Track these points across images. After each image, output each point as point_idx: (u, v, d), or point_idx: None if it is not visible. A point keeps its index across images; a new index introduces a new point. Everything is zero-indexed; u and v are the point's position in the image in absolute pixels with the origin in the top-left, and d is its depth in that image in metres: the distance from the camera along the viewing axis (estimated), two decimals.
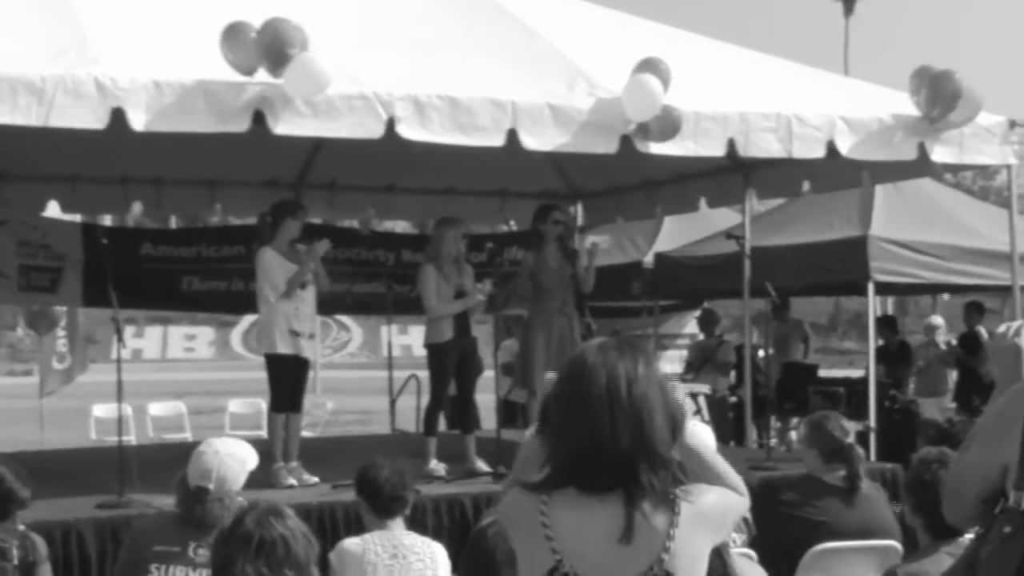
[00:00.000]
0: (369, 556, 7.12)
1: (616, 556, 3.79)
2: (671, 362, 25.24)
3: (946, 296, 25.04)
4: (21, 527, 7.24)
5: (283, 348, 11.97)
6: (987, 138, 12.70)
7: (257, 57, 9.93)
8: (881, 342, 20.43)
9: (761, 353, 18.46)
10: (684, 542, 3.81)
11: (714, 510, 3.97)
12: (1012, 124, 12.83)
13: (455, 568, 6.58)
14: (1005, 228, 14.14)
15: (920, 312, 29.54)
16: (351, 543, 7.25)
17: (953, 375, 20.31)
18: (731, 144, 11.69)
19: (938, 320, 21.64)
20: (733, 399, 19.99)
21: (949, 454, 6.48)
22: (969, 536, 5.63)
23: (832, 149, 12.04)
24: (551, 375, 12.52)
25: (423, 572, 7.02)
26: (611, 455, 3.85)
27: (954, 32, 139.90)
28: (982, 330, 18.91)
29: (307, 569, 5.10)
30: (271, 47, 9.85)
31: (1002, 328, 4.67)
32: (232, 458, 7.27)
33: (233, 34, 9.95)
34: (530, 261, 13.26)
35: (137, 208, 18.47)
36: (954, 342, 20.85)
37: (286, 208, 12.47)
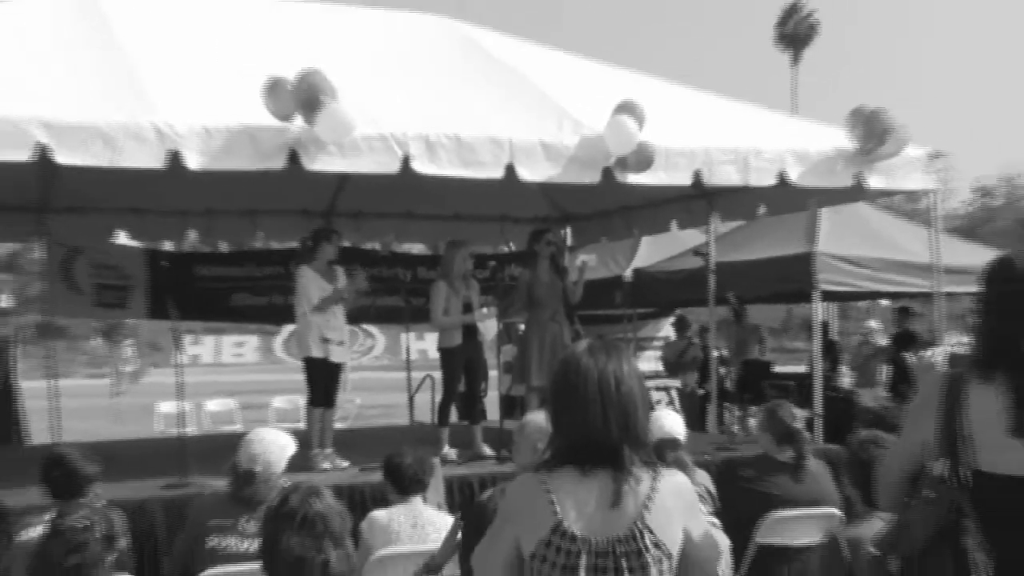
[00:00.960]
0: (393, 525, 7.15)
1: (606, 517, 3.93)
2: (648, 361, 25.20)
3: (885, 302, 24.98)
4: (101, 503, 7.25)
5: (316, 352, 12.02)
6: (913, 168, 12.75)
7: (294, 107, 9.96)
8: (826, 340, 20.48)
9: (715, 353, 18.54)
10: (661, 505, 3.95)
11: (685, 487, 4.10)
12: (934, 155, 12.90)
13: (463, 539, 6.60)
14: (928, 244, 14.19)
15: (859, 316, 29.53)
16: (379, 514, 7.27)
17: (886, 369, 20.30)
18: (697, 175, 11.72)
19: (874, 324, 21.64)
20: (701, 392, 20.02)
21: (881, 436, 6.53)
22: None
23: (783, 178, 12.07)
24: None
25: (438, 540, 7.03)
26: (602, 442, 3.98)
27: (884, 78, 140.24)
28: (908, 355, 18.92)
29: (342, 541, 5.10)
30: (306, 98, 9.89)
31: (926, 352, 4.88)
32: (275, 445, 7.31)
33: (273, 88, 9.98)
34: (526, 277, 13.27)
35: (192, 235, 18.46)
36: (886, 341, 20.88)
37: (323, 234, 12.51)
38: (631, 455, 3.97)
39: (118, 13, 12.18)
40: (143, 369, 22.91)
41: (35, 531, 6.75)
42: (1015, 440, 4.00)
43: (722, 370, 19.68)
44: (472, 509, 5.81)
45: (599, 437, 3.98)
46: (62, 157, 9.46)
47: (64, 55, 10.97)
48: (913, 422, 4.34)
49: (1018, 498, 4.01)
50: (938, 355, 4.42)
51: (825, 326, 22.36)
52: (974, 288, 4.23)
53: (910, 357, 18.50)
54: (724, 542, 6.61)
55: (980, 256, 17.67)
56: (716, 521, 6.85)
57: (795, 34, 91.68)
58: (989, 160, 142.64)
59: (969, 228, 67.60)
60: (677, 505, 4.02)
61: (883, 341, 20.88)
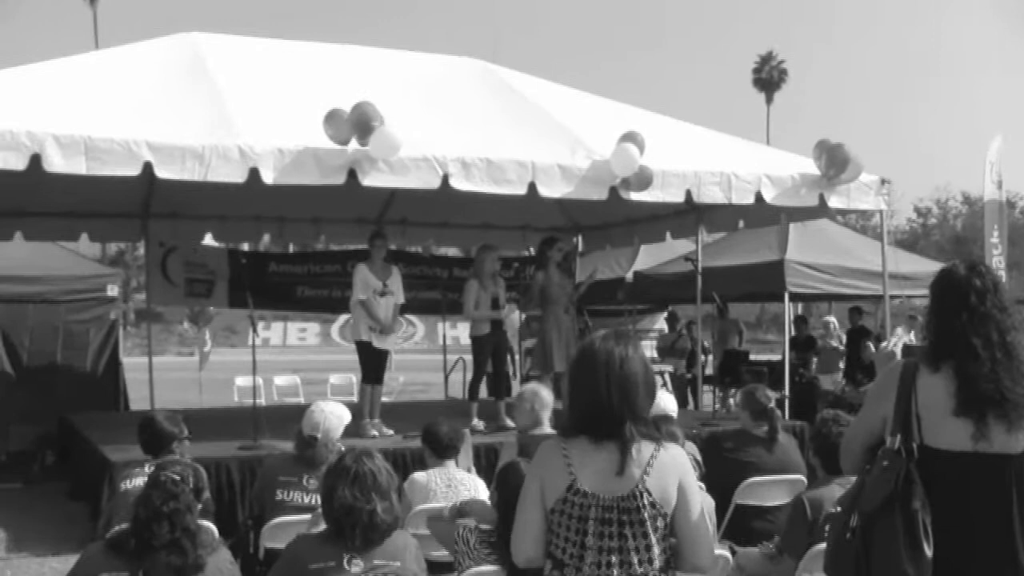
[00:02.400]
0: (431, 485, 7.11)
1: (613, 480, 3.95)
2: (645, 350, 25.13)
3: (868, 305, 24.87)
4: (189, 461, 7.26)
5: (364, 337, 12.03)
6: (867, 191, 12.75)
7: (349, 132, 9.99)
8: (794, 333, 20.42)
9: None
10: (659, 472, 3.98)
11: (681, 457, 4.11)
12: (883, 181, 12.90)
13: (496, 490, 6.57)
14: (878, 254, 14.19)
15: (820, 313, 29.49)
16: (418, 475, 7.23)
17: (843, 359, 20.27)
18: (688, 193, 11.72)
19: (833, 320, 21.59)
20: (689, 376, 20.00)
21: (840, 415, 6.54)
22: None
23: (759, 197, 12.07)
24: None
25: (469, 497, 7.00)
26: (607, 413, 4.00)
27: (841, 114, 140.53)
28: (868, 343, 18.83)
29: (389, 495, 5.11)
30: (359, 124, 9.93)
31: (884, 343, 4.85)
32: (333, 416, 7.32)
33: (332, 117, 10.08)
34: (540, 278, 13.21)
35: (266, 238, 18.61)
36: (844, 336, 20.83)
37: (370, 237, 12.59)
38: (631, 428, 3.98)
39: (212, 55, 12.33)
40: (211, 350, 23.05)
41: (135, 481, 6.77)
42: (958, 420, 4.04)
43: (703, 357, 19.68)
44: (500, 471, 5.78)
45: (604, 409, 4.00)
46: (162, 172, 9.62)
47: (165, 88, 11.13)
48: (874, 402, 4.34)
49: (954, 468, 4.05)
50: (896, 345, 4.40)
51: (804, 321, 22.38)
52: (916, 292, 4.30)
53: (868, 347, 18.44)
54: (709, 502, 6.60)
55: (920, 265, 17.71)
56: (702, 485, 6.82)
57: (769, 79, 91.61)
58: (925, 185, 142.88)
59: (911, 241, 67.60)
60: (674, 472, 4.02)
61: (841, 335, 20.85)
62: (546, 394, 7.81)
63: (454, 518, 6.01)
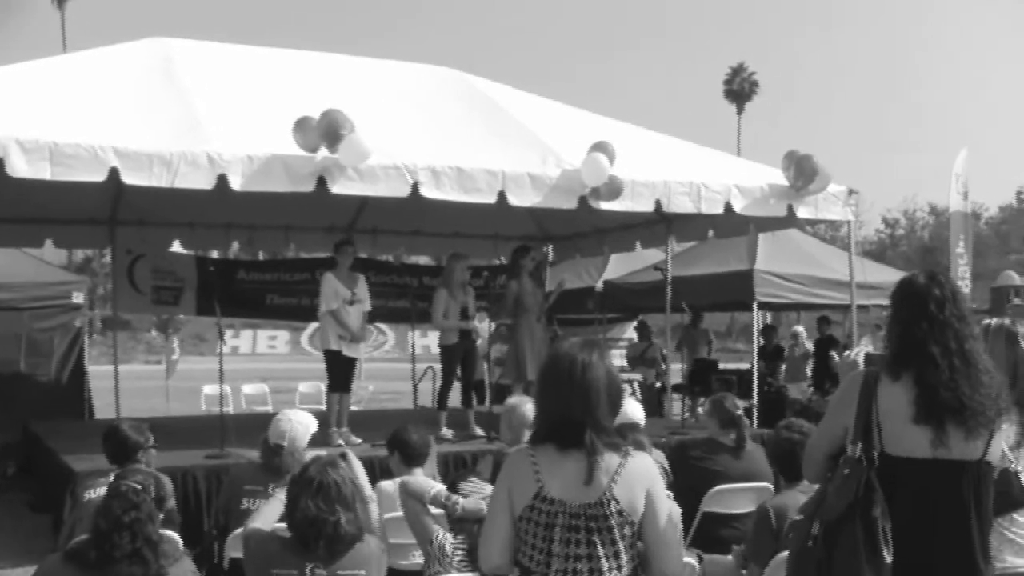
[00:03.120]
0: (398, 494, 7.08)
1: (580, 488, 3.97)
2: (614, 359, 25.06)
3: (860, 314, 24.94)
4: (152, 470, 7.21)
5: (334, 346, 12.03)
6: (834, 201, 12.81)
7: (318, 139, 9.96)
8: (762, 342, 20.47)
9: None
10: (626, 480, 3.99)
11: (650, 466, 4.15)
12: (851, 192, 12.98)
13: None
14: (846, 264, 14.24)
15: (789, 323, 29.58)
16: (386, 484, 7.19)
17: (811, 367, 20.35)
18: (658, 203, 11.74)
19: (801, 329, 21.67)
20: (659, 385, 20.00)
21: (796, 423, 6.63)
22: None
23: (729, 208, 12.11)
24: None
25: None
26: (569, 420, 4.00)
27: (811, 126, 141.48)
28: (833, 353, 18.92)
29: (353, 505, 5.12)
30: (328, 131, 9.91)
31: (852, 349, 4.92)
32: (300, 424, 7.27)
33: (300, 125, 10.06)
34: (514, 288, 13.23)
35: (235, 245, 18.47)
36: (811, 345, 20.90)
37: (337, 245, 12.53)
38: (592, 436, 3.98)
39: (181, 61, 12.29)
40: (179, 358, 23.01)
41: (99, 491, 6.71)
42: (917, 427, 4.09)
43: (663, 366, 19.73)
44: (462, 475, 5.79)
45: (565, 416, 4.01)
46: (129, 178, 9.58)
47: (134, 94, 11.08)
48: (836, 411, 4.40)
49: (914, 475, 4.11)
50: (859, 354, 4.42)
51: (773, 330, 22.43)
52: (883, 301, 4.34)
53: (834, 357, 18.51)
54: (676, 510, 6.59)
55: (888, 275, 17.79)
56: (670, 493, 6.82)
57: (740, 90, 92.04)
58: (893, 196, 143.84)
59: (879, 252, 68.01)
60: (641, 480, 4.04)
61: (809, 344, 20.91)
62: (525, 411, 7.66)
63: (433, 503, 6.01)
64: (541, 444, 4.07)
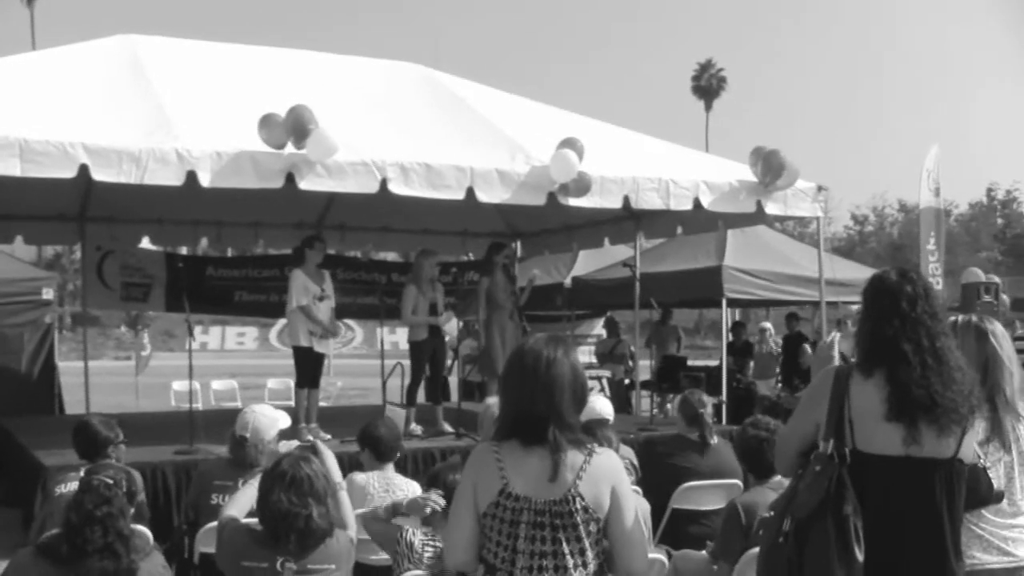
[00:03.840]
0: (368, 488, 7.09)
1: (545, 484, 3.97)
2: (583, 355, 25.19)
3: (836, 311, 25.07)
4: (123, 465, 7.21)
5: (304, 342, 12.03)
6: (803, 197, 12.81)
7: (285, 135, 9.97)
8: (731, 339, 20.53)
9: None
10: (592, 477, 3.99)
11: (615, 463, 4.14)
12: (819, 188, 13.00)
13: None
14: (815, 261, 14.33)
15: (757, 319, 29.71)
16: (358, 476, 7.22)
17: (779, 364, 20.41)
18: (626, 199, 11.75)
19: (768, 325, 21.73)
20: (627, 381, 20.04)
21: (760, 418, 6.67)
22: (777, 478, 5.85)
23: (697, 204, 12.10)
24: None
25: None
26: (533, 416, 4.00)
27: (780, 123, 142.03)
28: (805, 347, 18.97)
29: (324, 500, 5.13)
30: (295, 127, 9.91)
31: (825, 338, 4.93)
32: (264, 417, 7.27)
33: (266, 122, 10.06)
34: (485, 284, 13.30)
35: (204, 242, 18.41)
36: (780, 341, 20.98)
37: (307, 242, 12.47)
38: (555, 432, 3.98)
39: (150, 58, 12.26)
40: (151, 354, 22.92)
41: (70, 486, 6.71)
42: (889, 425, 4.10)
43: (630, 363, 19.77)
44: (429, 475, 5.80)
45: (529, 411, 4.01)
46: (99, 175, 9.55)
47: (103, 91, 11.05)
48: (808, 406, 4.40)
49: (886, 473, 4.12)
50: (834, 341, 4.40)
51: (742, 326, 22.49)
52: (852, 298, 4.37)
53: (807, 351, 18.55)
54: (644, 506, 6.64)
55: (857, 272, 17.89)
56: (638, 489, 6.86)
57: (708, 87, 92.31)
58: (863, 192, 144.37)
59: (848, 248, 68.28)
60: (607, 477, 4.03)
61: (778, 341, 20.98)
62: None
63: (390, 517, 6.01)
64: (506, 440, 4.06)
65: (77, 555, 4.69)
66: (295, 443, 6.82)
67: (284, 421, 7.40)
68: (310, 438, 11.17)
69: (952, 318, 4.82)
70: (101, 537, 4.72)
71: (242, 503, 5.63)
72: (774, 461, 4.75)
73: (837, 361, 4.56)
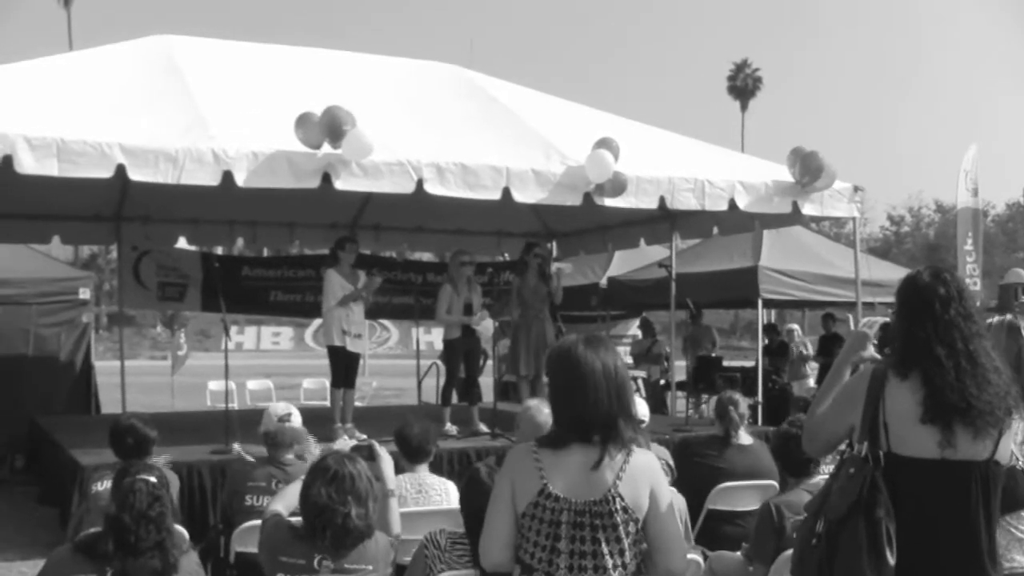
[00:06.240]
0: (400, 491, 7.07)
1: (585, 483, 3.96)
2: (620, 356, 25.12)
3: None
4: (160, 464, 7.26)
5: (338, 342, 12.05)
6: (839, 198, 12.80)
7: (321, 135, 9.98)
8: (766, 341, 20.45)
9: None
10: (631, 477, 3.99)
11: (653, 462, 4.15)
12: (856, 189, 12.98)
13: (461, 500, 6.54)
14: (851, 261, 14.26)
15: (791, 321, 29.59)
16: (399, 478, 7.23)
17: (813, 365, 20.28)
18: (662, 200, 11.75)
19: (795, 326, 21.65)
20: (663, 382, 19.99)
21: (798, 420, 6.62)
22: (819, 478, 5.81)
23: (733, 204, 12.09)
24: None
25: (440, 503, 6.99)
26: (603, 415, 4.00)
27: (815, 122, 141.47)
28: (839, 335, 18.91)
29: (365, 501, 5.11)
30: (330, 127, 9.92)
31: (863, 321, 4.87)
32: (276, 405, 7.46)
33: (302, 121, 10.07)
34: (517, 283, 13.32)
35: (240, 242, 18.48)
36: (808, 343, 20.93)
37: (340, 243, 12.49)
38: (626, 428, 4.01)
39: (186, 58, 12.33)
40: (188, 354, 23.02)
41: (106, 484, 6.73)
42: (924, 427, 4.04)
43: (665, 364, 19.72)
44: (467, 477, 5.76)
45: (601, 412, 4.00)
46: (135, 175, 9.60)
47: (140, 92, 11.10)
48: (844, 406, 4.33)
49: (920, 476, 4.07)
50: (873, 326, 4.32)
51: (775, 328, 22.41)
52: (888, 299, 4.32)
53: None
54: (680, 501, 6.63)
55: (893, 272, 17.74)
56: (674, 489, 6.83)
57: (743, 86, 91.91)
58: (899, 193, 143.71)
59: (884, 249, 67.94)
60: (645, 478, 4.03)
61: (806, 341, 20.90)
62: (536, 415, 7.26)
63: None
64: (548, 443, 4.07)
65: (125, 553, 4.71)
66: (352, 442, 6.81)
67: (295, 414, 7.58)
68: (345, 438, 11.22)
69: (988, 320, 4.75)
70: (155, 535, 4.76)
71: (288, 499, 5.63)
72: (803, 442, 4.66)
73: (873, 350, 4.50)
